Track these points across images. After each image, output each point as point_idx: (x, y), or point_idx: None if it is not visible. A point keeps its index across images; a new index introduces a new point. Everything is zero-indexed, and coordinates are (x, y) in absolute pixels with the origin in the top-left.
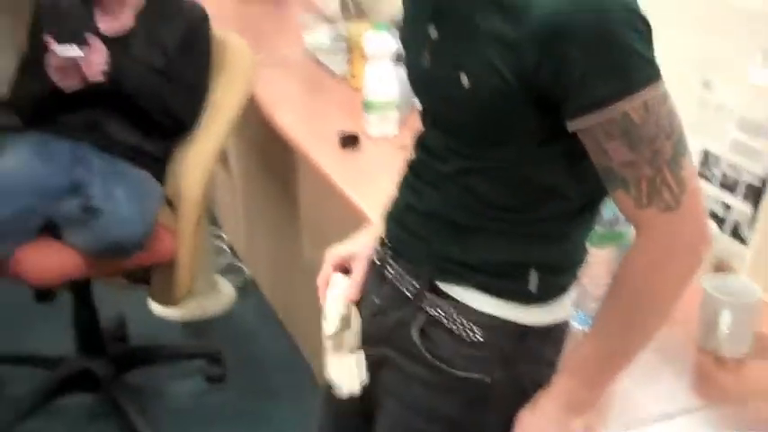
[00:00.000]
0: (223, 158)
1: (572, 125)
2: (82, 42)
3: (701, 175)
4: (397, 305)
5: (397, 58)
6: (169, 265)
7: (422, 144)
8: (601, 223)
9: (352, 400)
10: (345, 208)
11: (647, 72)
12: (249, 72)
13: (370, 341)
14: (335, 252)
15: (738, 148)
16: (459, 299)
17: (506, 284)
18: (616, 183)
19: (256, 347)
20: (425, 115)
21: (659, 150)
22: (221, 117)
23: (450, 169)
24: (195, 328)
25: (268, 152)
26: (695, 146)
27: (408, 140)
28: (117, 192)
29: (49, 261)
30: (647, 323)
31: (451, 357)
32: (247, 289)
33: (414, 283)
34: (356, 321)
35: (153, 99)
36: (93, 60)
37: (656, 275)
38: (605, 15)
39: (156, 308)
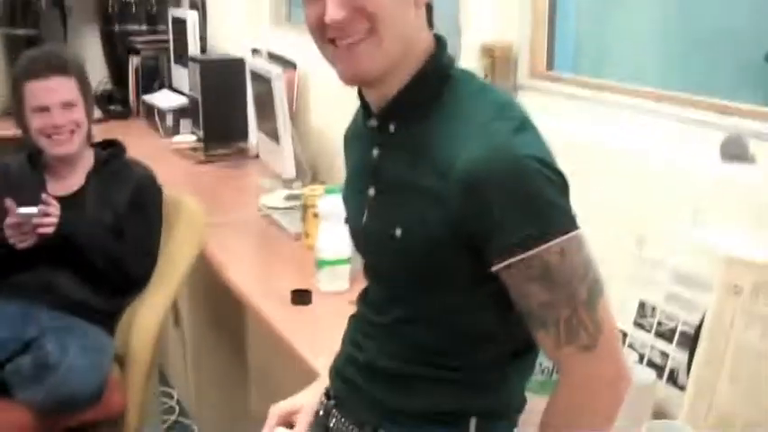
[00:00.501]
0: (174, 314)
1: (494, 267)
2: (38, 203)
3: (638, 324)
4: None
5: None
6: (115, 423)
7: (364, 299)
8: (540, 371)
9: None
10: (296, 363)
11: (561, 220)
12: (201, 231)
13: None
14: (279, 407)
15: (673, 298)
16: None
17: (448, 430)
18: (537, 324)
19: None
20: (367, 270)
21: (574, 293)
22: (172, 274)
23: (387, 320)
24: None
25: (219, 308)
26: (631, 296)
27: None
28: (71, 346)
29: (13, 420)
30: None
31: None
32: None
33: None
34: None
35: (104, 255)
36: (48, 215)
37: (578, 416)
38: (519, 167)
39: None
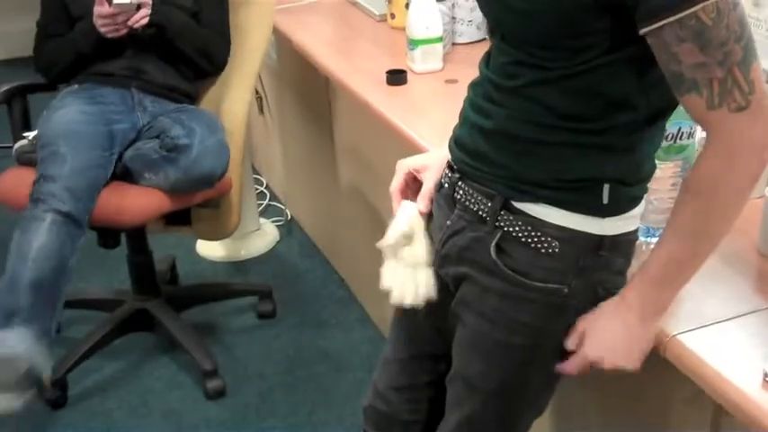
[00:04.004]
0: (258, 101)
1: (643, 28)
2: None
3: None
4: (472, 226)
5: None
6: (214, 204)
7: (488, 63)
8: (665, 137)
9: (415, 311)
10: (392, 141)
11: None
12: (271, 10)
13: (448, 261)
14: (406, 163)
15: None
16: (533, 214)
17: (580, 198)
18: (686, 86)
19: (303, 284)
20: (494, 31)
21: (730, 52)
22: (250, 56)
23: (517, 83)
24: (241, 268)
25: (304, 93)
26: None
27: (453, 75)
28: (195, 127)
29: (140, 202)
30: (717, 226)
31: (529, 269)
32: (289, 228)
33: (487, 203)
34: (423, 240)
35: (192, 41)
36: (141, 5)
37: (724, 176)
38: None
39: (203, 250)
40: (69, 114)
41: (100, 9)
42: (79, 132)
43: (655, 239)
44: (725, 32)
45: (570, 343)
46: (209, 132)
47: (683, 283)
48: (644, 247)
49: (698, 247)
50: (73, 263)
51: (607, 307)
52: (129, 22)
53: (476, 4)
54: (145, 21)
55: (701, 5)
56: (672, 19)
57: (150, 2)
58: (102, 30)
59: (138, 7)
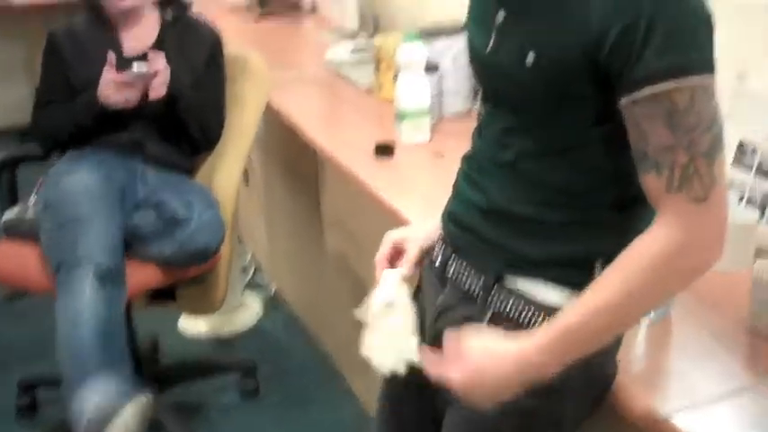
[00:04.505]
0: (244, 173)
1: (623, 100)
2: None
3: (738, 164)
4: (463, 303)
5: (428, 68)
6: (200, 279)
7: (481, 134)
8: None
9: (401, 398)
10: (379, 214)
11: (702, 61)
12: (266, 86)
13: (438, 341)
14: (393, 235)
15: None
16: (526, 292)
17: (573, 276)
18: (649, 165)
19: (287, 359)
20: (487, 101)
21: (697, 140)
22: (243, 131)
23: (510, 156)
24: (225, 344)
25: (291, 165)
26: (731, 136)
27: (440, 147)
28: (193, 201)
29: (133, 276)
30: (640, 307)
31: None
32: (273, 303)
33: (479, 280)
34: (407, 307)
35: (196, 115)
36: (160, 76)
37: (666, 265)
38: None
39: (186, 326)
40: (83, 178)
41: (114, 76)
42: (98, 194)
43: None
44: (695, 119)
45: (446, 349)
46: (206, 207)
47: (583, 354)
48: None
49: (617, 323)
50: (121, 316)
51: (506, 352)
52: (151, 92)
53: (463, 76)
54: (163, 89)
55: (678, 81)
56: (647, 92)
57: (168, 70)
58: (112, 99)
59: (154, 74)
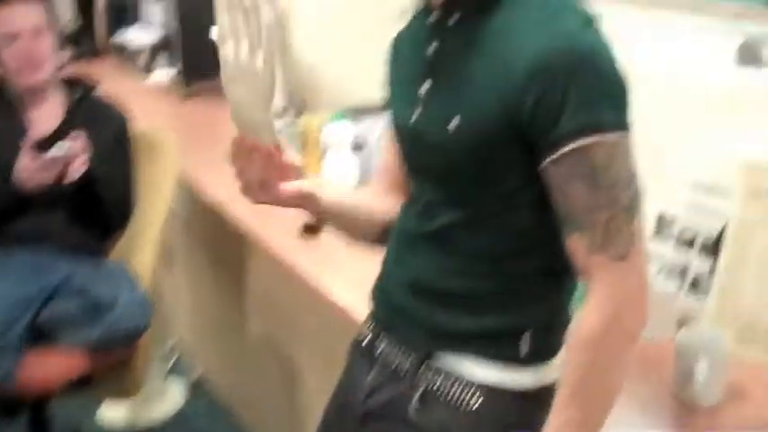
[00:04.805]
0: (166, 257)
1: (544, 161)
2: (17, 142)
3: (658, 236)
4: (392, 382)
5: (355, 146)
6: (123, 366)
7: (408, 209)
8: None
9: None
10: (306, 295)
11: (617, 119)
12: (176, 165)
13: (371, 418)
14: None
15: (693, 207)
16: (454, 369)
17: (500, 349)
18: (573, 226)
19: None
20: (414, 176)
21: (617, 198)
22: (157, 210)
23: (437, 227)
24: None
25: (215, 245)
26: (650, 210)
27: None
28: (117, 283)
29: (56, 364)
30: (607, 384)
31: (451, 427)
32: (197, 388)
33: (408, 358)
34: None
35: (111, 195)
36: (80, 158)
37: (604, 330)
38: (589, 57)
39: (107, 415)
40: None
41: (30, 162)
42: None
43: None
44: (614, 176)
45: None
46: (130, 287)
47: None
48: None
49: (592, 408)
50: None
51: None
52: (70, 173)
53: None
54: (82, 169)
55: (596, 138)
56: (567, 149)
57: (86, 150)
58: (29, 184)
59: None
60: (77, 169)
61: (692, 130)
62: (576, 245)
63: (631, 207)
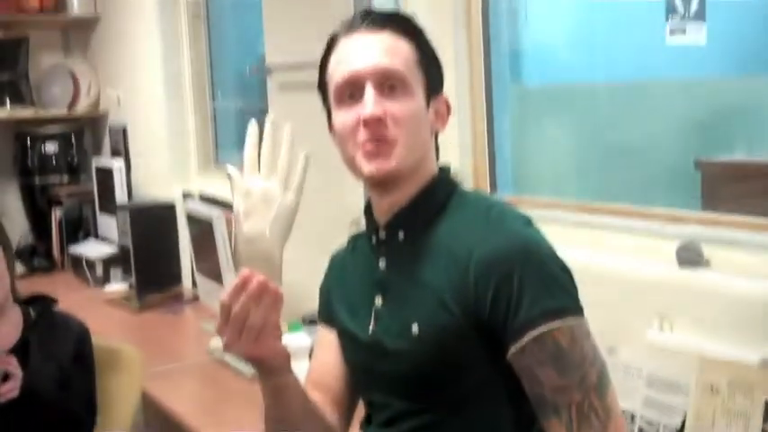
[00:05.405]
0: None
1: (510, 351)
2: None
3: None
4: None
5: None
6: None
7: (368, 422)
8: None
9: None
10: None
11: (572, 305)
12: (140, 378)
13: None
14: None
15: (650, 404)
16: None
17: None
18: (549, 411)
19: None
20: (376, 390)
21: (586, 376)
22: (120, 424)
23: (401, 430)
24: None
25: None
26: None
27: None
28: None
29: None
30: None
31: None
32: None
33: None
34: None
35: (60, 410)
36: (8, 376)
37: None
38: (536, 253)
39: None
40: None
41: None
42: None
43: None
44: (580, 356)
45: None
46: None
47: None
48: None
49: None
50: None
51: None
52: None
53: None
54: (16, 392)
55: (557, 323)
56: (531, 337)
57: (20, 373)
58: None
59: (5, 377)
60: (5, 393)
61: (645, 328)
62: (555, 429)
63: (601, 383)
